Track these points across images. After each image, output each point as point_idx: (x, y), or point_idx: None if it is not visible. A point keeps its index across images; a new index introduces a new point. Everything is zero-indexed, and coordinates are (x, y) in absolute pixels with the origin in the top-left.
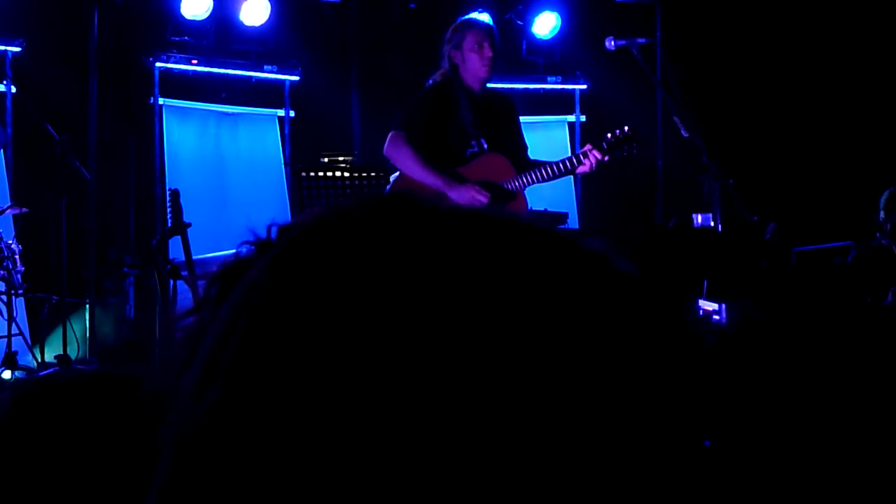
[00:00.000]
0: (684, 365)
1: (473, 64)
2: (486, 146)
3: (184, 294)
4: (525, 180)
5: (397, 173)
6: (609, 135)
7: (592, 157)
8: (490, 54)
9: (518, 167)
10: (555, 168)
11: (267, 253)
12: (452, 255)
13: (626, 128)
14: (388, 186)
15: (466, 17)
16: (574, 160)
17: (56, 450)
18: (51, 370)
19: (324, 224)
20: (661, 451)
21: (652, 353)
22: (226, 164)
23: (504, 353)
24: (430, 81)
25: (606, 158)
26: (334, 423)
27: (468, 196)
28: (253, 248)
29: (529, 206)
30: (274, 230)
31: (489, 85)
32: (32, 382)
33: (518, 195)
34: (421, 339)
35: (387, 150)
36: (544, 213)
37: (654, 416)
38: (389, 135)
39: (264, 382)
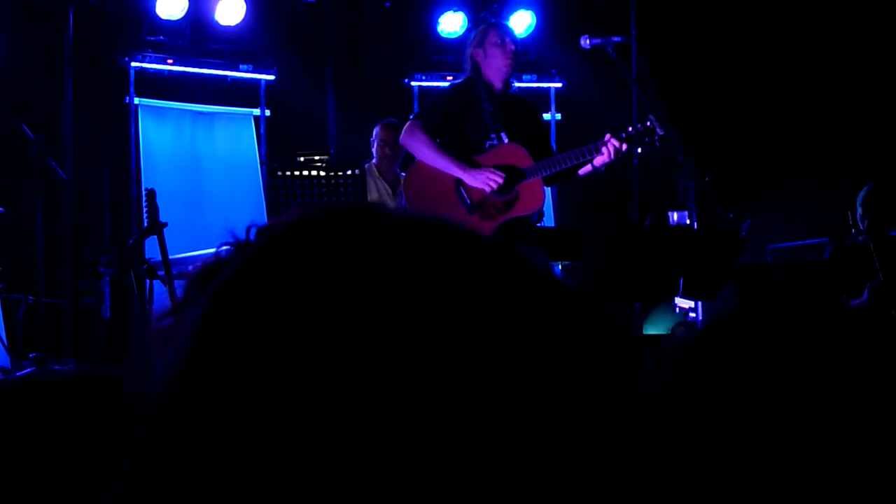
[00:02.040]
0: (615, 376)
1: (496, 58)
2: (505, 139)
3: (160, 294)
4: (542, 168)
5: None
6: (630, 128)
7: (611, 146)
8: (513, 48)
9: (538, 160)
10: (572, 157)
11: (242, 254)
12: (414, 262)
13: (647, 122)
14: (403, 178)
15: (489, 20)
16: (593, 149)
17: (37, 451)
18: (28, 370)
19: (296, 228)
20: (591, 457)
21: (582, 360)
22: (202, 164)
23: (448, 353)
24: (422, 79)
25: (625, 147)
26: (295, 415)
27: (482, 178)
28: (232, 249)
29: None
30: (253, 232)
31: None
32: (12, 383)
33: (534, 182)
34: (378, 337)
35: (402, 139)
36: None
37: (580, 416)
38: (406, 124)
39: (228, 371)
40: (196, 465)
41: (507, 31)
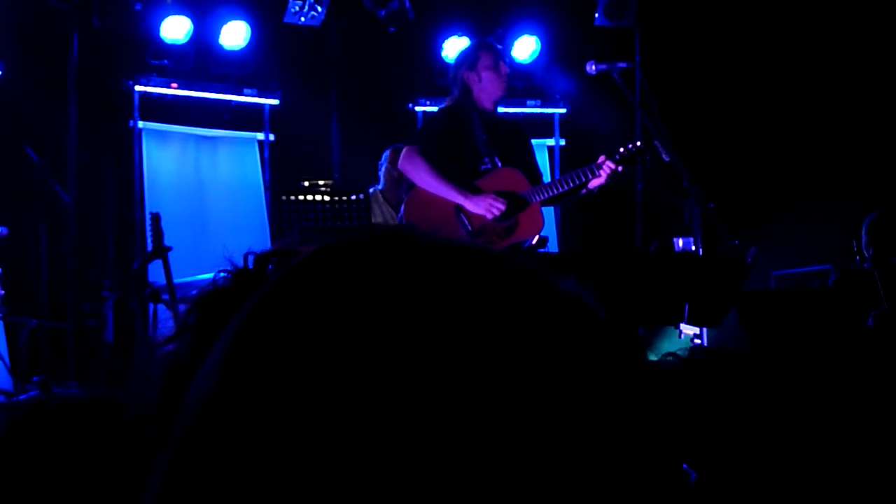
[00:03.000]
0: (637, 400)
1: (490, 83)
2: (499, 164)
3: (164, 318)
4: (541, 192)
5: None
6: (622, 148)
7: (607, 168)
8: (507, 70)
9: (532, 183)
10: (569, 179)
11: (260, 288)
12: (447, 292)
13: (638, 142)
14: (402, 205)
15: (477, 41)
16: (588, 171)
17: (53, 474)
18: (32, 394)
19: (326, 254)
20: (612, 474)
21: (604, 387)
22: (206, 188)
23: (488, 385)
24: (428, 104)
25: (620, 169)
26: (328, 447)
27: (485, 205)
28: (230, 276)
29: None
30: (251, 259)
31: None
32: (27, 407)
33: (533, 207)
34: (414, 367)
35: (401, 164)
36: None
37: (605, 440)
38: (403, 150)
39: (260, 400)
40: (225, 495)
41: (501, 54)
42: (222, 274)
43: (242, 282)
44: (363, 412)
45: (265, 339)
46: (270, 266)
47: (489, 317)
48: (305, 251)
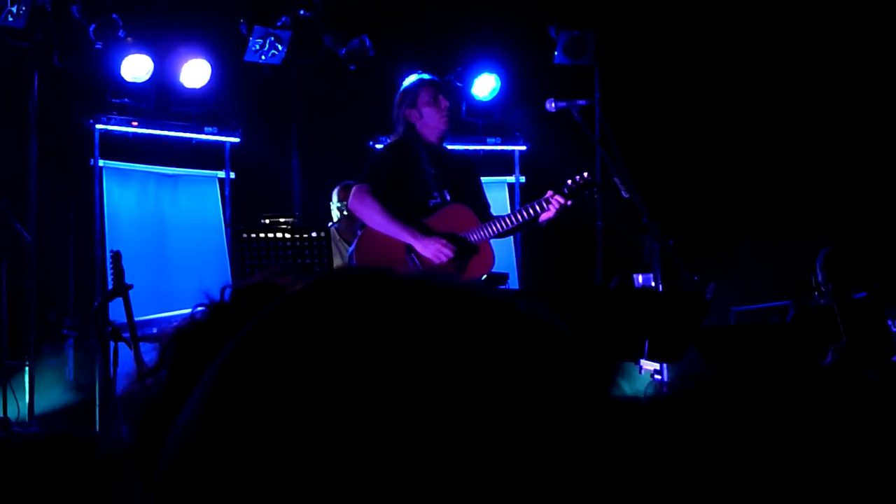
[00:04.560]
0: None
1: (431, 118)
2: (448, 197)
3: (125, 356)
4: (490, 230)
5: (343, 237)
6: (569, 181)
7: (555, 202)
8: (447, 104)
9: (481, 219)
10: (518, 216)
11: (251, 320)
12: (434, 329)
13: (585, 174)
14: (352, 245)
15: (413, 77)
16: (538, 206)
17: None
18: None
19: (313, 293)
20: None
21: (568, 408)
22: (167, 226)
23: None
24: (386, 142)
25: (570, 203)
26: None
27: (434, 249)
28: (207, 310)
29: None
30: (227, 293)
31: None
32: None
33: (483, 247)
34: (402, 404)
35: (351, 204)
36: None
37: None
38: (353, 189)
39: (245, 437)
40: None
41: (440, 88)
42: (200, 308)
43: (220, 316)
44: (360, 449)
45: (256, 374)
46: (246, 302)
47: (471, 346)
48: (287, 285)
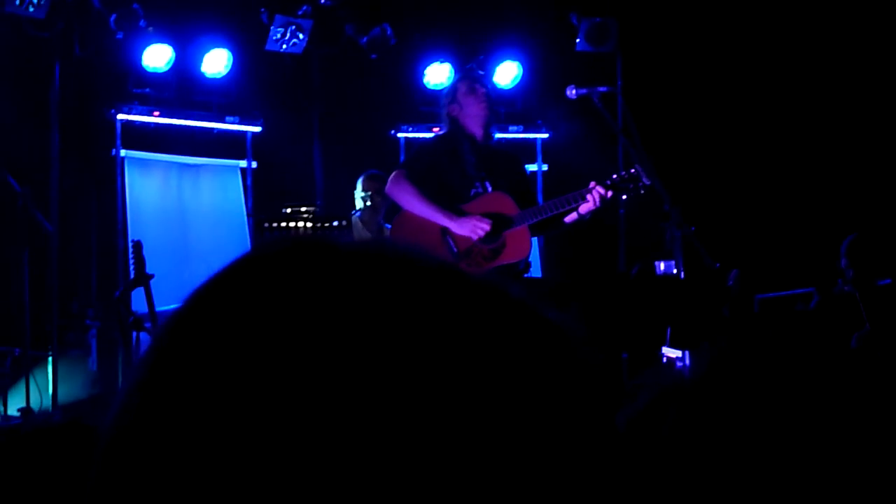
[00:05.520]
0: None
1: (471, 107)
2: (490, 188)
3: (147, 346)
4: (528, 216)
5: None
6: (615, 174)
7: (596, 194)
8: (484, 91)
9: (523, 208)
10: (559, 204)
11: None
12: (365, 294)
13: (632, 169)
14: (387, 226)
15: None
16: (579, 196)
17: (30, 498)
18: (14, 422)
19: (245, 263)
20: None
21: (540, 390)
22: (188, 216)
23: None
24: (408, 130)
25: (610, 195)
26: (241, 455)
27: (470, 225)
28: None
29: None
30: None
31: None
32: (4, 433)
33: (519, 232)
34: (326, 373)
35: (388, 188)
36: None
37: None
38: (392, 174)
39: (179, 406)
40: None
41: (476, 78)
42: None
43: None
44: (282, 423)
45: (183, 354)
46: None
47: (403, 318)
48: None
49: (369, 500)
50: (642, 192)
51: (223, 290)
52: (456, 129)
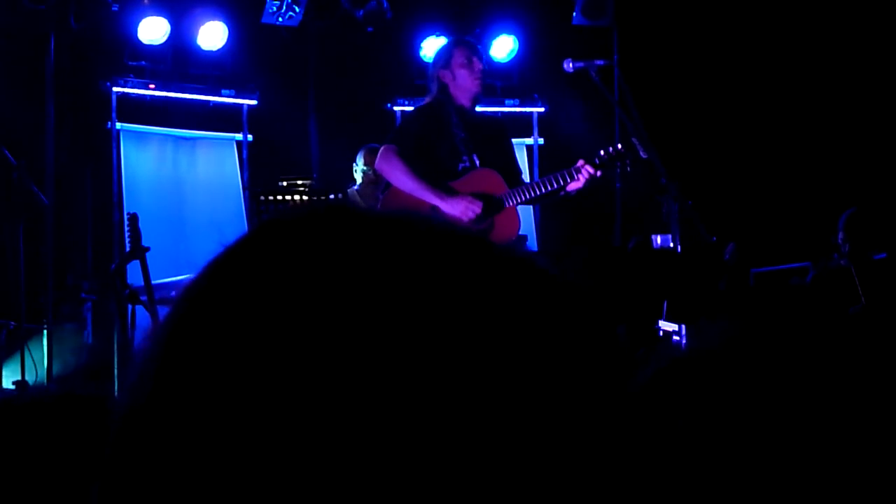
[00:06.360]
0: (598, 368)
1: (464, 79)
2: (478, 162)
3: (143, 319)
4: (517, 196)
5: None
6: (602, 151)
7: (585, 172)
8: (480, 67)
9: (510, 184)
10: (547, 183)
11: (205, 265)
12: (389, 260)
13: (619, 145)
14: (378, 200)
15: (452, 38)
16: (567, 175)
17: (23, 469)
18: (10, 395)
19: (266, 230)
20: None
21: (560, 352)
22: (184, 189)
23: (425, 351)
24: (407, 104)
25: (599, 174)
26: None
27: (461, 207)
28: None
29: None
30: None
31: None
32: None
33: (509, 210)
34: (352, 340)
35: (378, 164)
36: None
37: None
38: (380, 149)
39: (199, 379)
40: (167, 476)
41: (475, 50)
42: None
43: None
44: (310, 395)
45: (206, 322)
46: None
47: (434, 285)
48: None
49: (404, 461)
50: (629, 169)
51: (245, 258)
52: (443, 98)
